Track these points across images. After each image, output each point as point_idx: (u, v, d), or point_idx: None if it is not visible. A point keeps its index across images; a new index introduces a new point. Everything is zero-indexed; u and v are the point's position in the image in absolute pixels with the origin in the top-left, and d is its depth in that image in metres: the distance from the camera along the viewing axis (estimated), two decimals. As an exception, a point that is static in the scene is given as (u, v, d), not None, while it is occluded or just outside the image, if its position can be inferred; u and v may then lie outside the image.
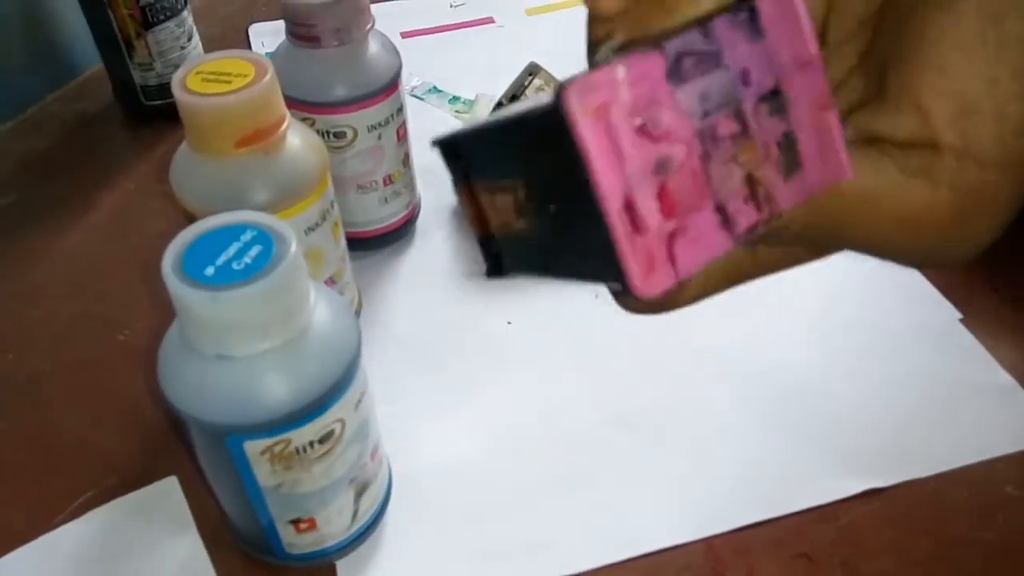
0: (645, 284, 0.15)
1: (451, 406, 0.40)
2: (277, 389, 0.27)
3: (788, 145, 0.16)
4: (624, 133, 0.14)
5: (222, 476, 0.30)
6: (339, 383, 0.28)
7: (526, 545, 0.34)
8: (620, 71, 0.14)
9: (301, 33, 0.39)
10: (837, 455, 0.37)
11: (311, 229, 0.36)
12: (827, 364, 0.40)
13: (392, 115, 0.42)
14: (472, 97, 0.58)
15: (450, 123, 0.56)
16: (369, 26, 0.40)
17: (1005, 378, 0.39)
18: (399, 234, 0.47)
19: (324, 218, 0.37)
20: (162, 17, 0.54)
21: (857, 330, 0.42)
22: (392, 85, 0.41)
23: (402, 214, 0.46)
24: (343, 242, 0.40)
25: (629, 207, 0.15)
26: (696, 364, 0.41)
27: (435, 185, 0.50)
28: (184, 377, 0.28)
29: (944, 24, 0.16)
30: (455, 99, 0.58)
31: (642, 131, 0.15)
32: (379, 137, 0.42)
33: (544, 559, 0.34)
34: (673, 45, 0.15)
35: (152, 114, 0.57)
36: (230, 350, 0.27)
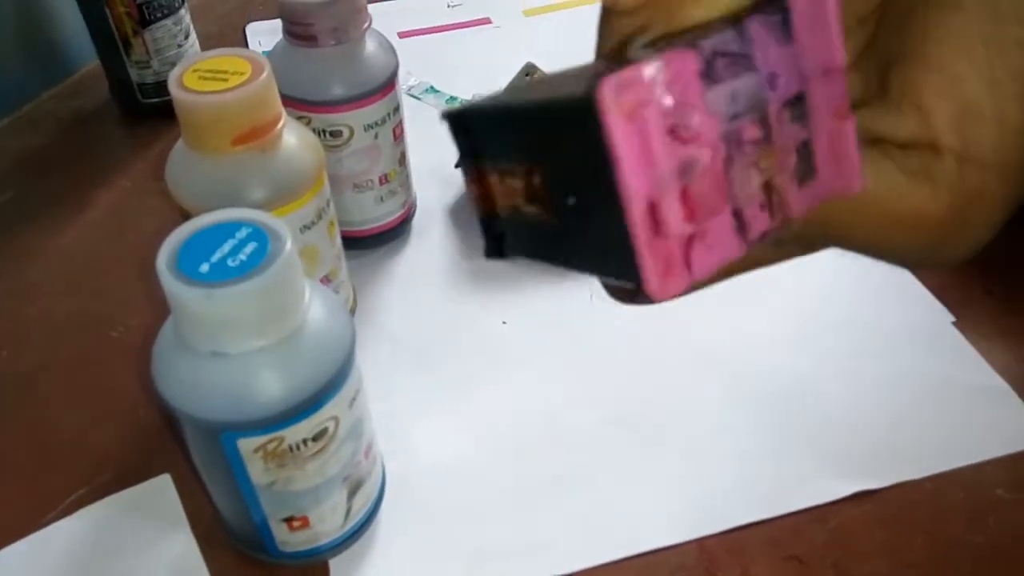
0: (661, 287, 0.14)
1: (446, 405, 0.40)
2: (271, 386, 0.27)
3: (806, 153, 0.16)
4: (656, 135, 0.14)
5: (215, 473, 0.30)
6: (333, 381, 0.28)
7: (519, 544, 0.34)
8: (656, 70, 0.14)
9: (298, 32, 0.39)
10: (830, 457, 0.37)
11: (307, 227, 0.36)
12: (821, 366, 0.40)
13: (388, 114, 0.42)
14: (469, 97, 0.58)
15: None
16: (366, 25, 0.40)
17: (997, 381, 0.39)
18: (395, 233, 0.47)
19: (320, 216, 0.37)
20: (159, 15, 0.54)
21: (850, 332, 0.42)
22: (389, 84, 0.42)
23: (398, 213, 0.46)
24: (339, 240, 0.40)
25: (653, 209, 0.14)
26: (690, 365, 0.41)
27: (431, 184, 0.50)
28: (178, 374, 0.28)
29: (946, 24, 0.16)
30: (452, 99, 0.58)
31: (672, 132, 0.14)
32: (375, 136, 0.42)
33: (537, 558, 0.34)
34: (708, 44, 0.15)
35: (148, 112, 0.57)
36: (224, 347, 0.27)
